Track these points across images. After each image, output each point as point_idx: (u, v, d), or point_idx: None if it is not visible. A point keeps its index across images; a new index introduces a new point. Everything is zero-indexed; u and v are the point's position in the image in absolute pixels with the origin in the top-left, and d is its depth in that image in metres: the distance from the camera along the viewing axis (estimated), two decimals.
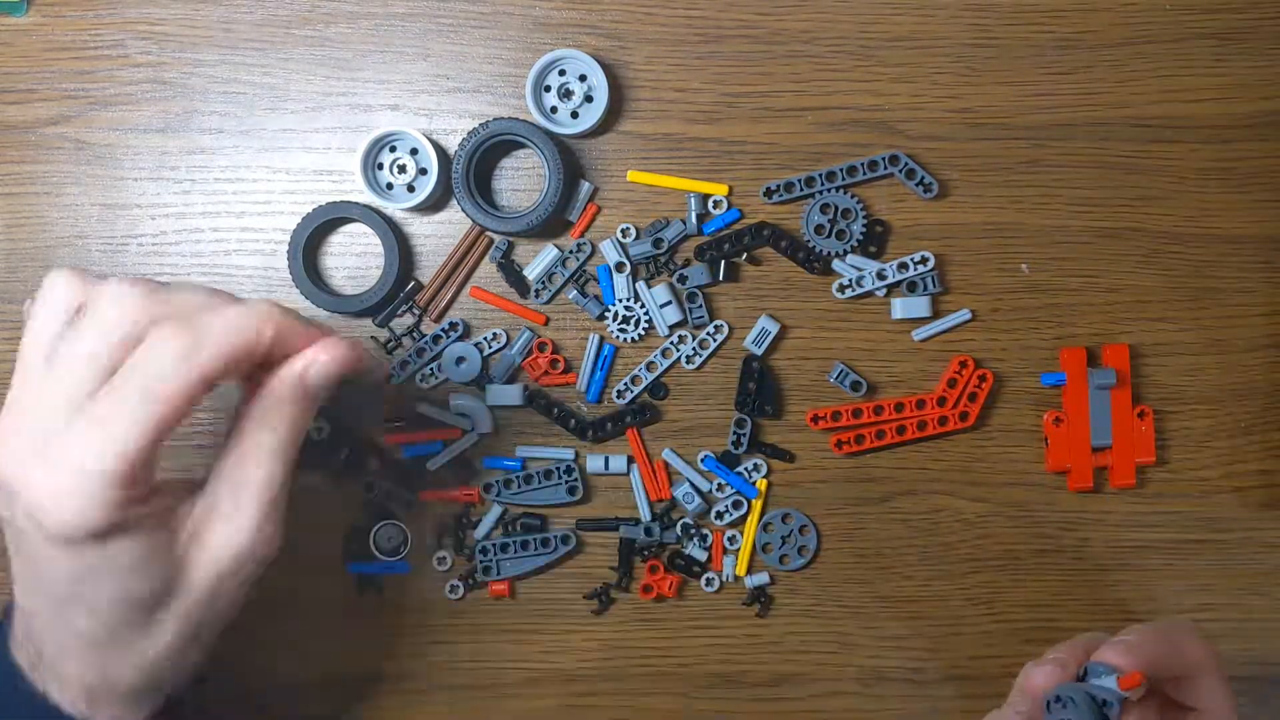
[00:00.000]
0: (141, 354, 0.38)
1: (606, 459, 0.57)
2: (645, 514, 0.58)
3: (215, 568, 0.42)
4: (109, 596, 0.41)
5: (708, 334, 0.58)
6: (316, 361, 0.43)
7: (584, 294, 0.57)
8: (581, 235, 0.58)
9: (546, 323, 0.58)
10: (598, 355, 0.57)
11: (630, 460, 0.58)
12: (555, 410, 0.57)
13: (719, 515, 0.58)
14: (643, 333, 0.58)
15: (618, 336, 0.58)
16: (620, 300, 0.57)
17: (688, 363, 0.58)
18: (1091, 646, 0.46)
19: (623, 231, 0.57)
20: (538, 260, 0.58)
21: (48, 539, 0.39)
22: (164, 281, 0.42)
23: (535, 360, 0.57)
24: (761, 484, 0.58)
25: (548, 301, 0.58)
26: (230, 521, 0.42)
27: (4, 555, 0.43)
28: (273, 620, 0.58)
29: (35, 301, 0.41)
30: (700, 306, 0.57)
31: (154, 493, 0.41)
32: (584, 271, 0.58)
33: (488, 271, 0.58)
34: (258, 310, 0.41)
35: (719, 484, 0.58)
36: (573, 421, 0.57)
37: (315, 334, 0.43)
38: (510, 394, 0.57)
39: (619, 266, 0.57)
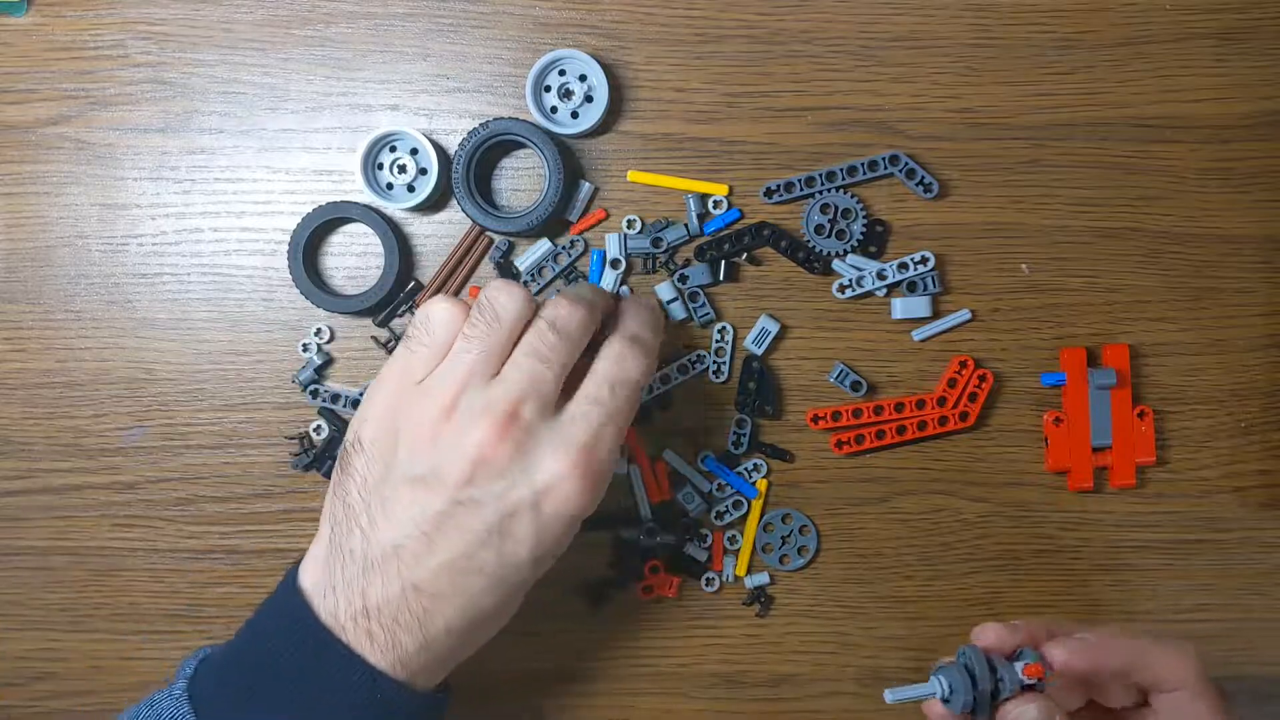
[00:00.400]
0: (624, 365, 0.46)
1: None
2: (646, 513, 0.58)
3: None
4: (538, 575, 0.46)
5: (720, 344, 0.58)
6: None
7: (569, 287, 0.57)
8: (580, 234, 0.58)
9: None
10: None
11: (630, 460, 0.58)
12: None
13: (719, 515, 0.58)
14: None
15: None
16: None
17: (715, 376, 0.58)
18: (1059, 633, 0.48)
19: (628, 223, 0.57)
20: (530, 252, 0.58)
21: (557, 517, 0.44)
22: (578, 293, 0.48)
23: None
24: (761, 484, 0.58)
25: (538, 294, 0.58)
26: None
27: None
28: None
29: (473, 319, 0.46)
30: (704, 305, 0.57)
31: None
32: (575, 268, 0.58)
33: (488, 272, 0.58)
34: (641, 307, 0.50)
35: (719, 484, 0.58)
36: None
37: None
38: None
39: (614, 263, 0.57)
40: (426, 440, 0.44)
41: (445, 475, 0.44)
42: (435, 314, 0.46)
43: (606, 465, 0.45)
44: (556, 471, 0.44)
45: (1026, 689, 0.45)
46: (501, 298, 0.46)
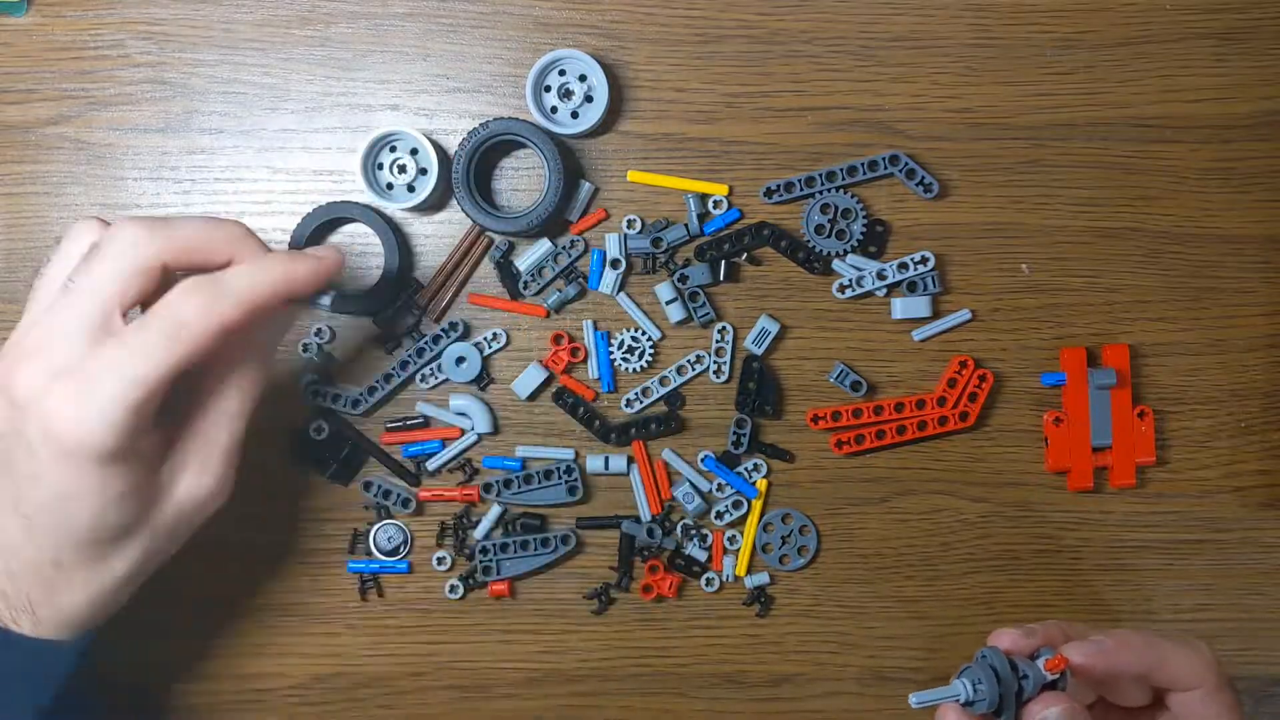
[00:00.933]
0: (171, 295, 0.42)
1: (606, 459, 0.57)
2: (645, 514, 0.58)
3: (177, 511, 0.46)
4: (88, 521, 0.43)
5: (720, 344, 0.58)
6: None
7: (568, 285, 0.57)
8: (580, 234, 0.58)
9: (547, 315, 0.58)
10: (595, 341, 0.58)
11: (630, 460, 0.58)
12: (581, 410, 0.57)
13: (719, 515, 0.58)
14: (646, 363, 0.57)
15: (622, 366, 0.58)
16: (626, 331, 0.58)
17: (715, 376, 0.58)
18: (1075, 635, 0.47)
19: (628, 223, 0.57)
20: (529, 252, 0.58)
21: (56, 454, 0.41)
22: (165, 217, 0.45)
23: (556, 355, 0.57)
24: (761, 484, 0.58)
25: (537, 294, 0.58)
26: (198, 475, 0.46)
27: None
28: (273, 620, 0.58)
29: (58, 244, 0.44)
30: (704, 305, 0.57)
31: (150, 431, 0.44)
32: (575, 269, 0.58)
33: (488, 272, 0.58)
34: (273, 262, 0.45)
35: (719, 484, 0.58)
36: (597, 423, 0.57)
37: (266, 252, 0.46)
38: (533, 376, 0.57)
39: (614, 263, 0.57)
40: None
41: None
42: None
43: (114, 401, 0.40)
44: (52, 404, 0.41)
45: (1048, 686, 0.45)
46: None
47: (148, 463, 0.45)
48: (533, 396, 0.58)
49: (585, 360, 0.58)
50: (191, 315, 0.42)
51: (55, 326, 0.42)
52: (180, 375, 0.42)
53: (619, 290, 0.58)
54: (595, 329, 0.58)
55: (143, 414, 0.42)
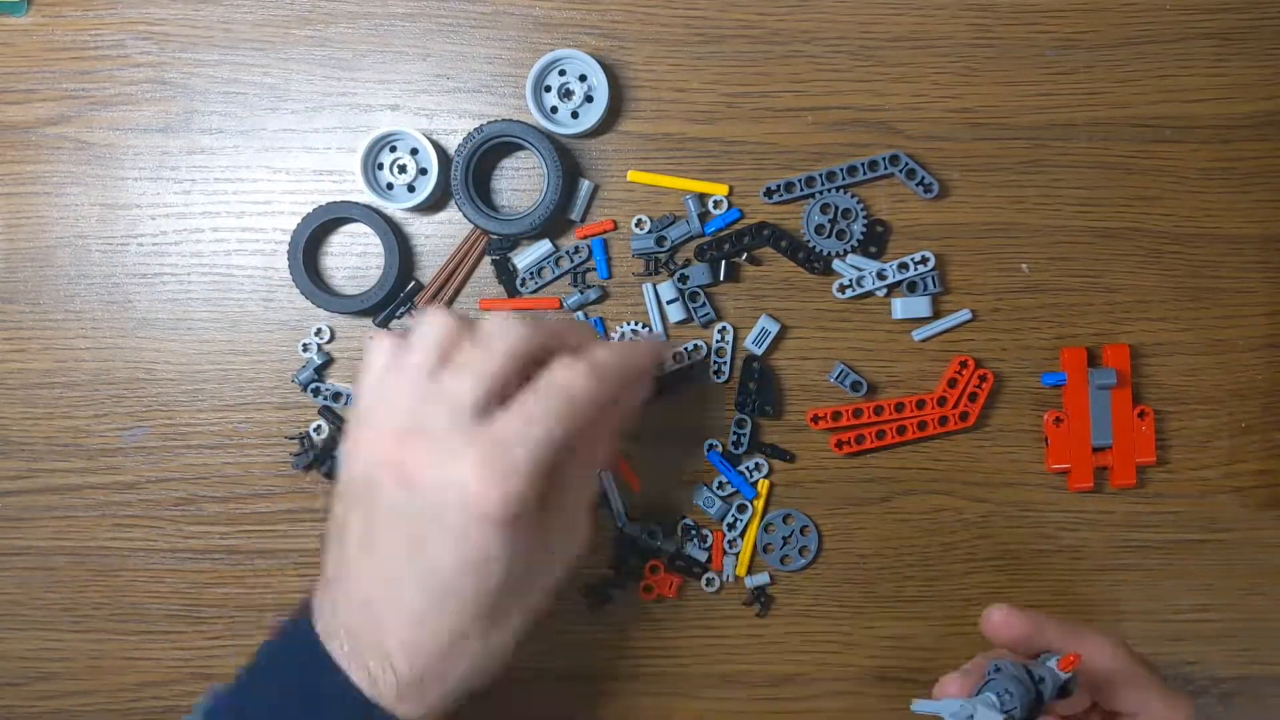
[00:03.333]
0: (558, 371, 0.44)
1: None
2: (621, 518, 0.58)
3: (558, 569, 0.47)
4: (499, 584, 0.44)
5: (720, 344, 0.58)
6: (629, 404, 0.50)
7: (589, 290, 0.57)
8: (584, 238, 0.58)
9: (560, 307, 0.58)
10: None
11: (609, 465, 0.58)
12: None
13: (730, 526, 0.58)
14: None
15: None
16: (627, 324, 0.58)
17: (716, 376, 0.58)
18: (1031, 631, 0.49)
19: (637, 223, 0.57)
20: (530, 251, 0.58)
21: (474, 519, 0.42)
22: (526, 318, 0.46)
23: None
24: (762, 485, 0.58)
25: (535, 292, 0.58)
26: (569, 533, 0.47)
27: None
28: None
29: (414, 329, 0.46)
30: (704, 305, 0.57)
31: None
32: (576, 273, 0.58)
33: (487, 271, 0.58)
34: (644, 350, 0.49)
35: (719, 481, 0.58)
36: None
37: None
38: None
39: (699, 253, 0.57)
40: (354, 457, 0.45)
41: (370, 488, 0.44)
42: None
43: (524, 464, 0.42)
44: (462, 471, 0.42)
45: (1063, 685, 0.45)
46: (422, 326, 0.46)
47: (539, 524, 0.45)
48: None
49: None
50: (579, 388, 0.44)
51: (441, 409, 0.43)
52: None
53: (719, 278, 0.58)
54: (587, 318, 0.58)
55: (545, 477, 0.43)
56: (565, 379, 0.44)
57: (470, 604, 0.44)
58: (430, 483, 0.42)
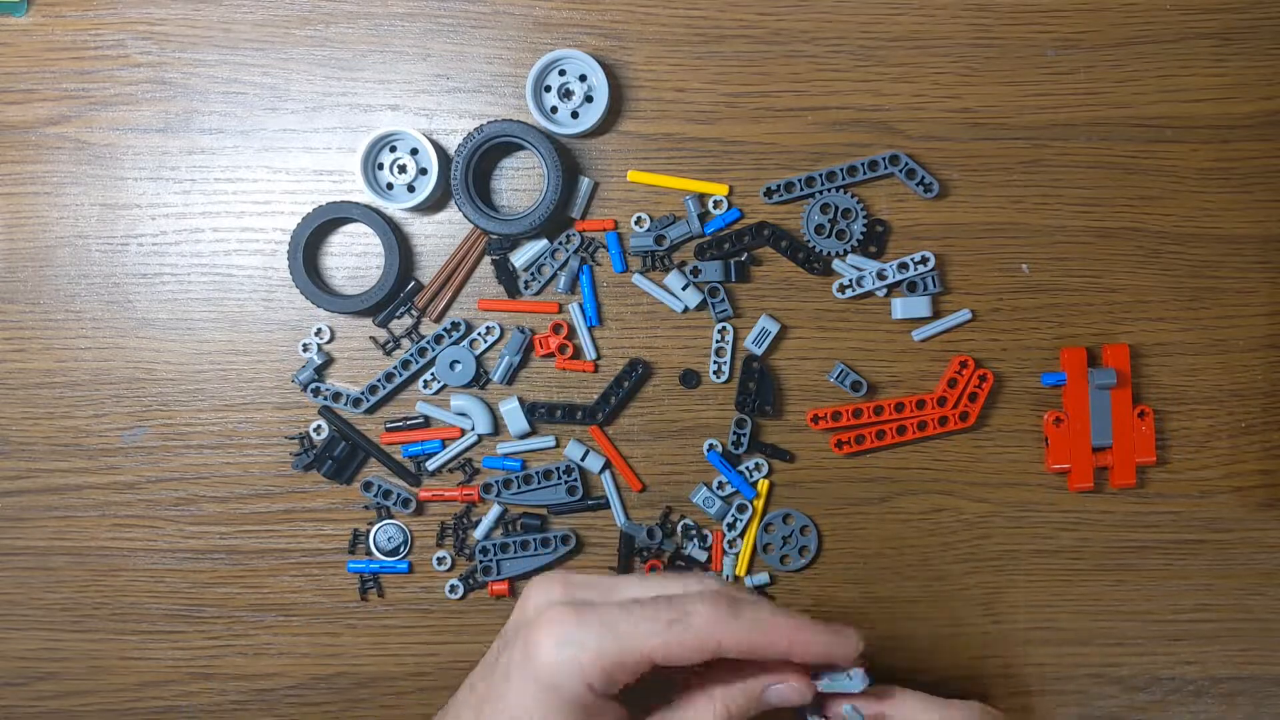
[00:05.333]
0: (691, 594, 0.42)
1: (586, 451, 0.58)
2: (620, 518, 0.58)
3: None
4: None
5: (720, 344, 0.58)
6: (786, 688, 0.44)
7: (572, 285, 0.58)
8: (582, 231, 0.58)
9: (560, 311, 0.58)
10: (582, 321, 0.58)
11: (607, 464, 0.58)
12: (558, 411, 0.57)
13: (730, 526, 0.58)
14: None
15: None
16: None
17: (716, 376, 0.58)
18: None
19: (636, 220, 0.57)
20: (527, 247, 0.58)
21: (524, 675, 0.41)
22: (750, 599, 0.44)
23: (546, 339, 0.57)
24: (762, 485, 0.58)
25: (537, 293, 0.58)
26: None
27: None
28: (273, 620, 0.58)
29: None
30: (723, 301, 0.57)
31: (613, 711, 0.43)
32: (571, 264, 0.58)
33: (487, 271, 0.58)
34: (791, 627, 0.43)
35: (719, 482, 0.58)
36: (579, 414, 0.57)
37: (817, 642, 0.43)
38: (515, 417, 0.57)
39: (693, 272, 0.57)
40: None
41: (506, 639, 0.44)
42: None
43: (591, 637, 0.40)
44: (542, 605, 0.42)
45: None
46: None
47: None
48: (530, 422, 0.58)
49: (574, 356, 0.58)
50: (699, 619, 0.41)
51: (603, 581, 0.43)
52: (666, 670, 0.42)
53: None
54: (585, 313, 0.58)
55: (613, 678, 0.41)
56: (693, 605, 0.42)
57: None
58: (526, 627, 0.42)
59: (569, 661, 0.40)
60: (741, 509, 0.58)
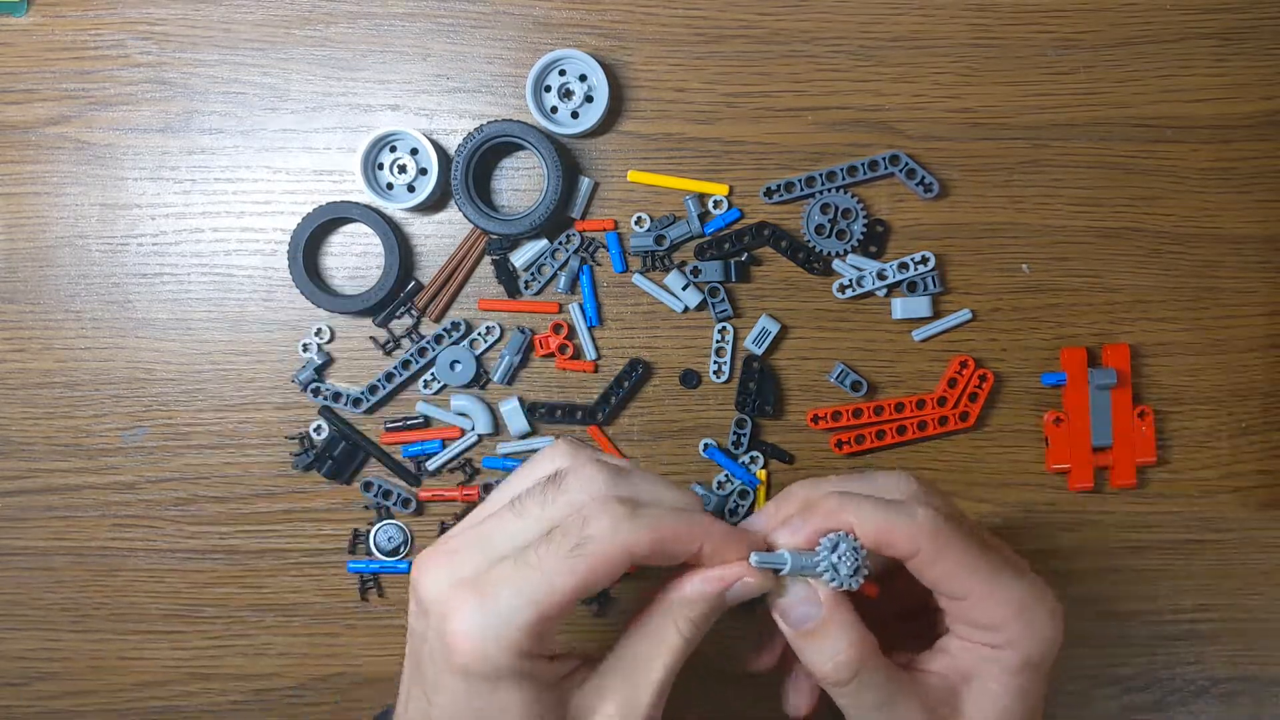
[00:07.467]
0: (582, 515, 0.39)
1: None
2: None
3: None
4: None
5: (720, 344, 0.58)
6: (742, 582, 0.41)
7: (572, 285, 0.58)
8: (581, 231, 0.58)
9: (560, 311, 0.58)
10: (585, 317, 0.58)
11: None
12: (558, 411, 0.57)
13: (731, 513, 0.58)
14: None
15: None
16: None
17: (716, 376, 0.58)
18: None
19: (636, 220, 0.57)
20: (526, 249, 0.58)
21: (452, 667, 0.38)
22: (627, 467, 0.42)
23: (546, 339, 0.57)
24: (761, 473, 0.58)
25: (537, 293, 0.58)
26: (618, 713, 0.41)
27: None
28: (273, 620, 0.58)
29: (533, 458, 0.43)
30: (723, 300, 0.57)
31: (552, 657, 0.41)
32: (571, 264, 0.58)
33: (487, 271, 0.58)
34: (697, 522, 0.40)
35: (719, 481, 0.58)
36: (579, 414, 0.57)
37: (741, 543, 0.41)
38: (516, 417, 0.57)
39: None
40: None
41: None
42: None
43: (503, 607, 0.38)
44: (436, 590, 0.39)
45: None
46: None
47: (553, 689, 0.40)
48: (531, 423, 0.58)
49: (574, 357, 0.58)
50: (597, 540, 0.38)
51: (480, 535, 0.40)
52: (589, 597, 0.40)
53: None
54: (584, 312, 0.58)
55: (538, 636, 0.38)
56: (586, 524, 0.39)
57: None
58: (431, 616, 0.39)
59: (491, 641, 0.38)
60: (744, 494, 0.58)
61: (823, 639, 0.41)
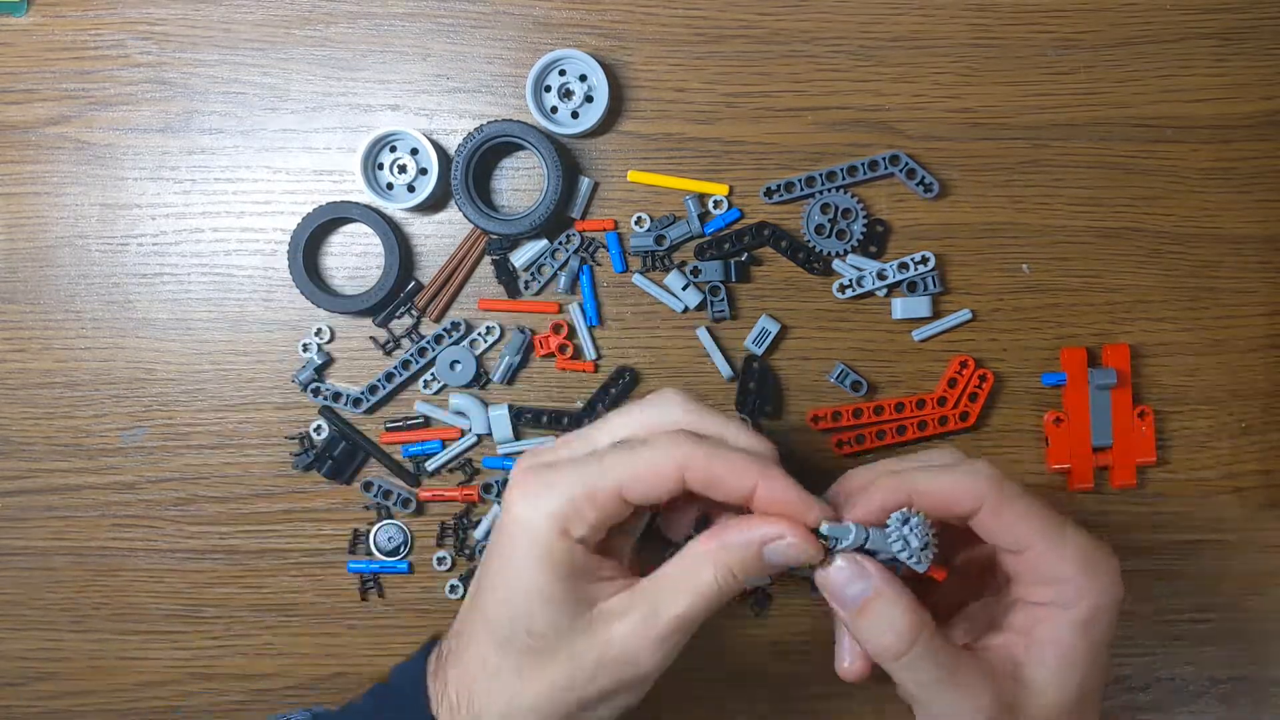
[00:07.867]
0: (657, 431, 0.42)
1: None
2: None
3: (600, 653, 0.42)
4: (514, 610, 0.42)
5: (720, 344, 0.58)
6: (787, 542, 0.41)
7: (572, 285, 0.58)
8: (581, 231, 0.58)
9: (560, 311, 0.58)
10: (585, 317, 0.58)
11: None
12: (544, 417, 0.57)
13: None
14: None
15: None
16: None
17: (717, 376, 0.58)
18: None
19: (636, 220, 0.57)
20: (526, 249, 0.58)
21: (508, 527, 0.42)
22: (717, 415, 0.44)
23: (546, 339, 0.57)
24: None
25: (537, 293, 0.58)
26: (633, 631, 0.42)
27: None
28: (273, 620, 0.58)
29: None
30: (722, 300, 0.57)
31: (602, 563, 0.43)
32: (571, 264, 0.58)
33: (486, 271, 0.58)
34: (756, 464, 0.41)
35: None
36: (565, 420, 0.57)
37: (805, 504, 0.41)
38: (501, 423, 0.57)
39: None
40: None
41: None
42: None
43: (560, 483, 0.41)
44: (514, 478, 0.43)
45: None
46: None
47: (587, 584, 0.42)
48: (516, 430, 0.58)
49: (574, 357, 0.58)
50: (659, 443, 0.41)
51: (565, 439, 0.44)
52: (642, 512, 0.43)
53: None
54: (583, 310, 0.58)
55: (587, 519, 0.41)
56: (653, 440, 0.42)
57: (494, 625, 0.43)
58: (507, 492, 0.43)
59: (540, 512, 0.41)
60: None
61: (877, 612, 0.42)
